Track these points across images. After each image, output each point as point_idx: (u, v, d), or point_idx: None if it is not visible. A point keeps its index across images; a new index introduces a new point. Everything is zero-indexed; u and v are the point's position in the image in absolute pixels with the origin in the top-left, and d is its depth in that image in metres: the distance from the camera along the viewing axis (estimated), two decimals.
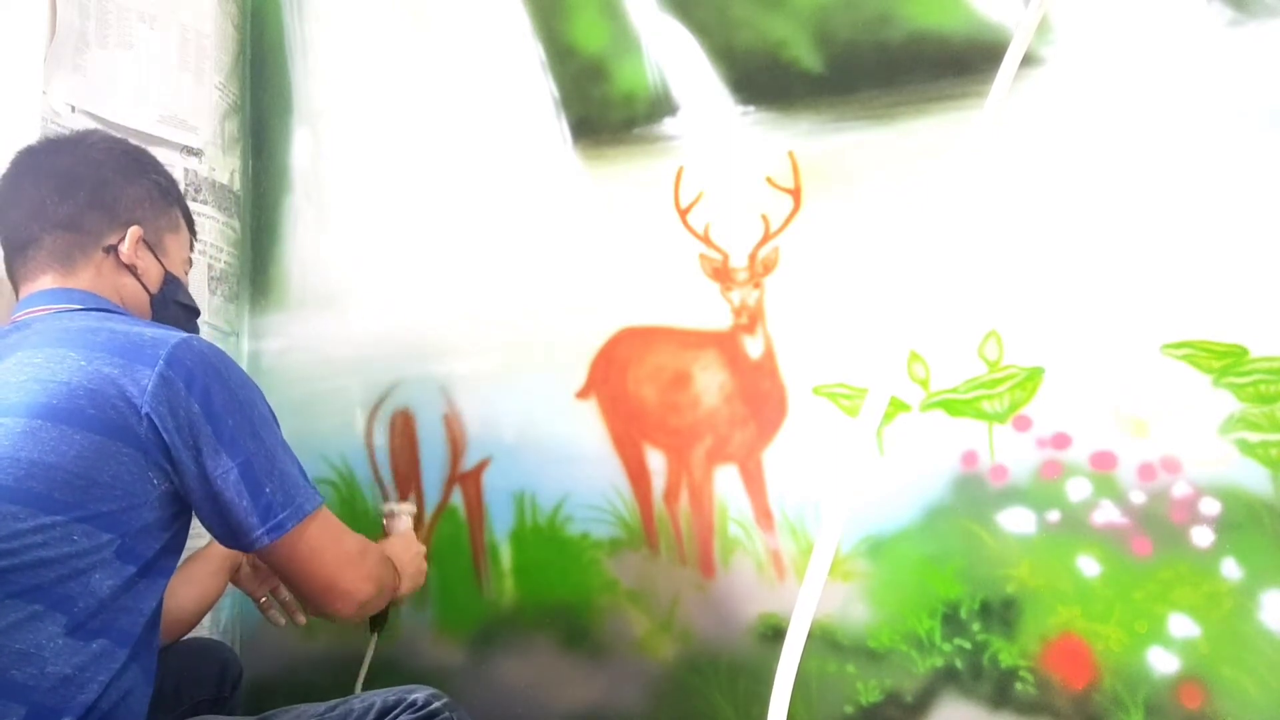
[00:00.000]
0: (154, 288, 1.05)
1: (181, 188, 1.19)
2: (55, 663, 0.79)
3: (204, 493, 0.88)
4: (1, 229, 1.02)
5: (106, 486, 0.82)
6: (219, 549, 1.16)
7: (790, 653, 0.92)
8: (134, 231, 1.01)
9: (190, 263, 1.15)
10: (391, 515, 1.30)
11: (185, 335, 0.90)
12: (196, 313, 1.13)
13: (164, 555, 0.90)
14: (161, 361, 0.85)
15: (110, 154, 1.04)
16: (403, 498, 1.51)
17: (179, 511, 0.91)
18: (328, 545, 0.95)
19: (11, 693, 0.76)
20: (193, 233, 1.15)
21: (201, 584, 1.14)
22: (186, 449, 0.86)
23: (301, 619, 1.22)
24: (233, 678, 1.16)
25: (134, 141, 1.11)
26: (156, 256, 1.05)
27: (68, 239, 0.99)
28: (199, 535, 0.99)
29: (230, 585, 1.20)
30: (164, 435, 0.85)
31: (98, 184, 1.01)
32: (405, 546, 1.22)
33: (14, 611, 0.77)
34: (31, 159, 1.03)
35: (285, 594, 1.21)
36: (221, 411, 0.88)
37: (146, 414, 0.84)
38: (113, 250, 1.00)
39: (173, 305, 1.07)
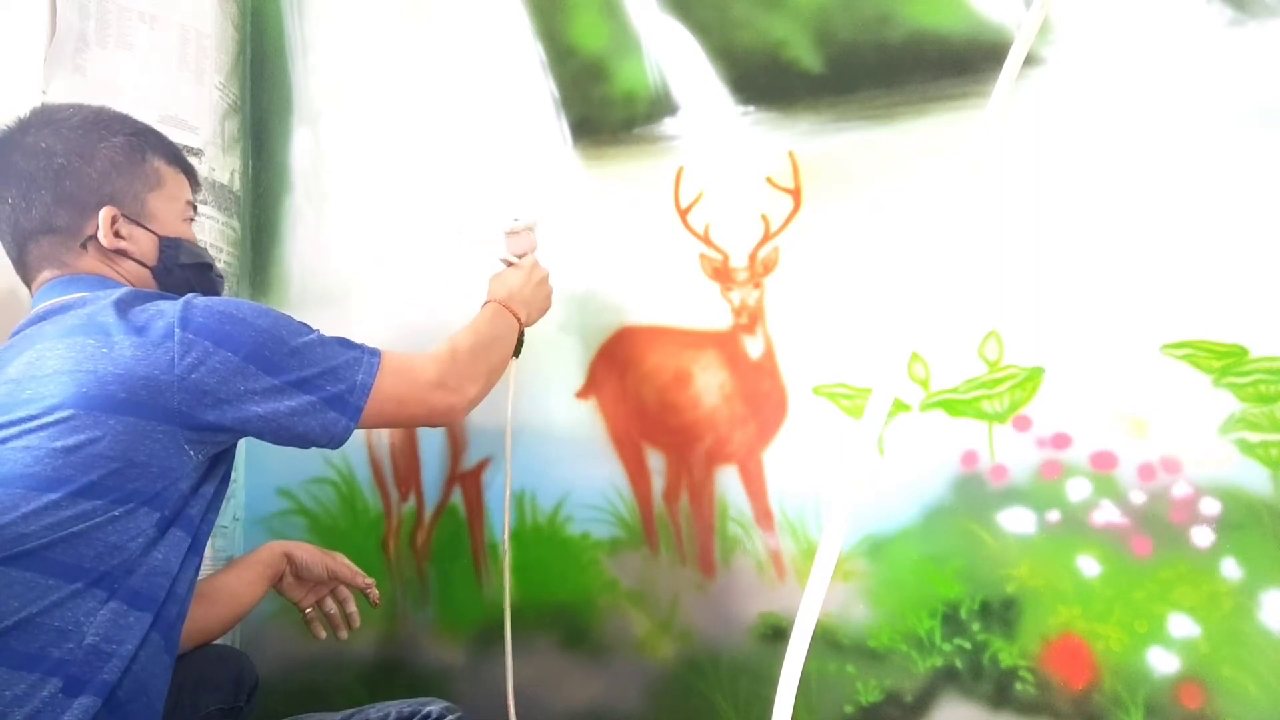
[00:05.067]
0: (151, 260, 1.02)
1: None
2: (92, 635, 0.81)
3: (276, 423, 0.92)
4: None
5: (143, 466, 0.84)
6: (258, 558, 1.16)
7: (794, 653, 0.92)
8: (105, 215, 0.97)
9: (192, 207, 1.09)
10: (513, 234, 1.31)
11: (186, 298, 0.91)
12: (208, 266, 1.08)
13: (205, 520, 0.93)
14: (178, 330, 0.87)
15: (58, 136, 0.98)
16: (403, 498, 1.51)
17: (214, 470, 0.94)
18: (405, 386, 1.01)
19: (49, 668, 0.78)
20: (185, 170, 1.09)
21: (236, 593, 1.13)
22: (240, 398, 0.88)
23: (344, 634, 1.21)
24: (248, 686, 1.14)
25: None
26: (143, 226, 1.01)
27: (49, 241, 0.98)
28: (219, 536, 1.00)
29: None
30: (206, 398, 0.87)
31: (55, 175, 0.97)
32: (525, 279, 1.26)
33: (56, 591, 0.80)
34: None
35: (331, 606, 1.21)
36: (256, 347, 0.90)
37: (181, 387, 0.85)
38: (93, 239, 0.98)
39: (177, 270, 1.04)
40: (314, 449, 0.98)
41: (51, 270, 0.99)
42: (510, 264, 1.32)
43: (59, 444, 0.81)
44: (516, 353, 1.27)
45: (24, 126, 1.00)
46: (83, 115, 1.01)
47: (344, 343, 0.99)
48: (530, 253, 1.32)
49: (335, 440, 0.96)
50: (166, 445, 0.85)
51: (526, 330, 1.28)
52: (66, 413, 0.82)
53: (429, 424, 1.08)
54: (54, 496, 0.80)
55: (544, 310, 1.31)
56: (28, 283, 1.02)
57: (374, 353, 1.00)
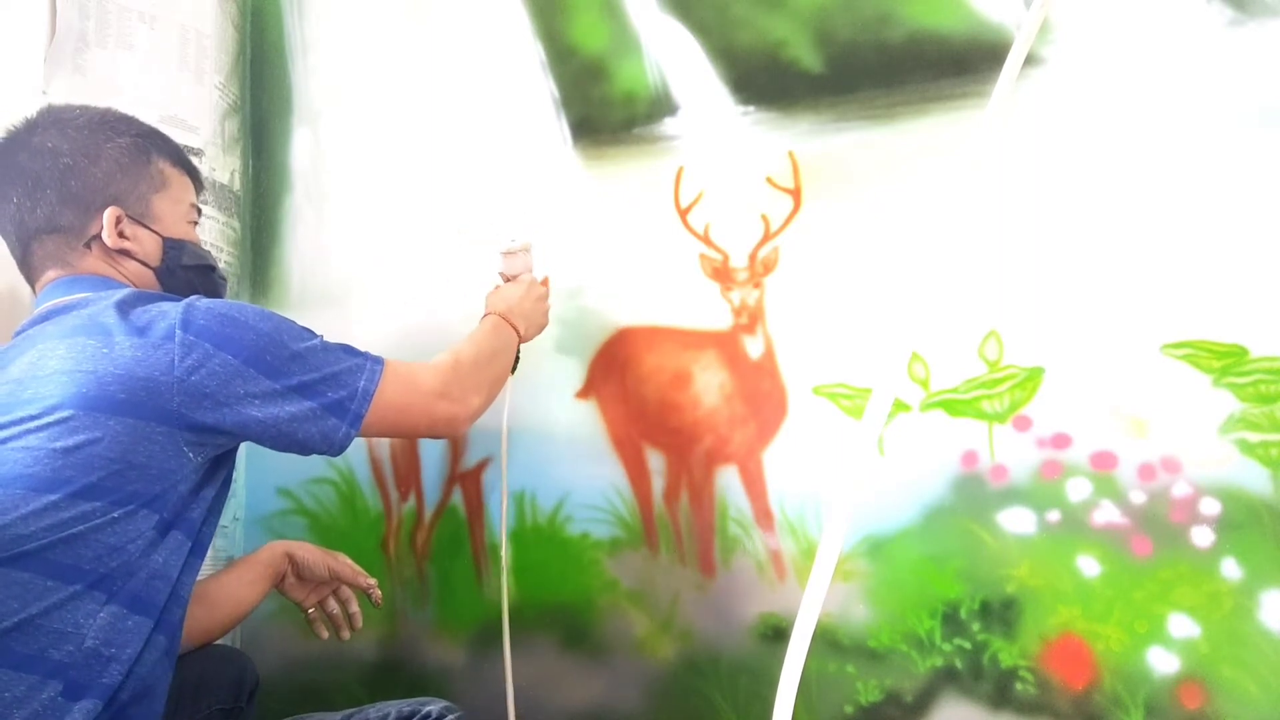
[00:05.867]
0: (154, 261, 1.02)
1: None
2: (92, 639, 0.81)
3: (275, 428, 0.91)
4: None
5: (142, 468, 0.84)
6: (260, 558, 1.16)
7: (795, 654, 0.92)
8: (110, 215, 0.98)
9: (197, 210, 1.10)
10: (509, 254, 1.32)
11: (188, 300, 0.91)
12: (211, 268, 1.09)
13: (206, 523, 0.93)
14: (179, 331, 0.86)
15: (64, 136, 0.99)
16: (403, 498, 1.52)
17: (215, 474, 0.94)
18: (407, 395, 1.01)
19: (49, 670, 0.78)
20: (190, 173, 1.09)
21: (237, 593, 1.12)
22: (239, 401, 0.88)
23: (346, 634, 1.21)
24: (249, 687, 1.14)
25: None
26: (147, 227, 1.01)
27: (54, 240, 0.98)
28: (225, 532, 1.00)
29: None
30: (205, 401, 0.86)
31: (61, 175, 0.97)
32: (524, 294, 1.27)
33: (56, 593, 0.79)
34: None
35: (333, 606, 1.21)
36: (256, 351, 0.90)
37: (180, 389, 0.85)
38: (97, 239, 0.98)
39: (180, 272, 1.04)
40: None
41: (56, 270, 0.99)
42: (508, 279, 1.33)
43: (58, 444, 0.81)
44: (513, 369, 1.27)
45: (31, 127, 1.00)
46: (89, 116, 1.02)
47: (347, 349, 0.99)
48: (526, 273, 1.33)
49: (335, 448, 0.95)
50: (166, 447, 0.85)
51: (522, 346, 1.28)
52: (66, 413, 0.82)
53: (431, 434, 1.08)
54: (54, 497, 0.80)
55: (541, 327, 1.32)
56: (32, 283, 1.02)
57: (377, 360, 0.99)
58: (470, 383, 1.08)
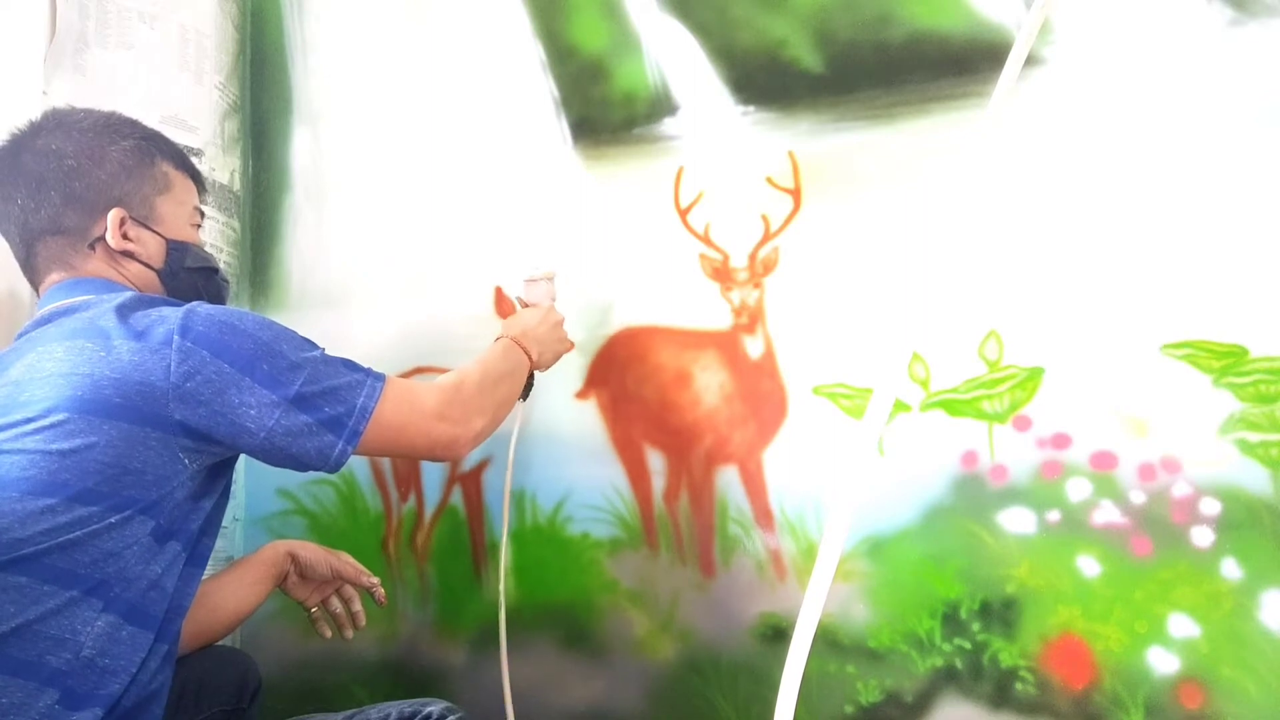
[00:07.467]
0: (158, 263, 1.02)
1: None
2: (89, 648, 0.80)
3: (270, 440, 0.89)
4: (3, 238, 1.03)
5: (138, 473, 0.83)
6: (262, 558, 1.15)
7: (796, 655, 0.92)
8: (114, 216, 0.98)
9: (200, 213, 1.09)
10: (531, 281, 1.33)
11: (189, 306, 0.90)
12: (214, 270, 1.08)
13: (202, 537, 0.92)
14: (177, 337, 0.86)
15: (69, 138, 0.99)
16: (403, 498, 1.52)
17: (213, 485, 0.93)
18: (407, 414, 0.98)
19: (46, 677, 0.78)
20: (193, 175, 1.09)
21: (240, 594, 1.12)
22: (233, 410, 0.87)
23: (349, 634, 1.21)
24: (251, 688, 1.14)
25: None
26: (150, 228, 1.01)
27: (57, 242, 0.98)
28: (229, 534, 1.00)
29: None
30: (201, 408, 0.86)
31: (64, 176, 0.97)
32: (540, 319, 1.26)
33: (51, 598, 0.79)
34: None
35: (336, 606, 1.20)
36: (253, 360, 0.88)
37: (176, 395, 0.84)
38: (100, 241, 0.98)
39: (183, 274, 1.04)
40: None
41: (59, 272, 0.98)
42: (526, 306, 1.32)
43: (54, 447, 0.81)
44: (525, 394, 1.26)
45: (35, 129, 1.00)
46: (94, 119, 1.02)
47: (348, 364, 0.97)
48: (547, 301, 1.31)
49: (330, 465, 0.93)
50: (161, 453, 0.84)
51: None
52: (61, 416, 0.81)
53: (430, 456, 1.04)
54: (50, 501, 0.80)
55: (558, 355, 1.29)
56: (35, 285, 1.01)
57: (378, 377, 0.97)
58: (474, 405, 1.05)
